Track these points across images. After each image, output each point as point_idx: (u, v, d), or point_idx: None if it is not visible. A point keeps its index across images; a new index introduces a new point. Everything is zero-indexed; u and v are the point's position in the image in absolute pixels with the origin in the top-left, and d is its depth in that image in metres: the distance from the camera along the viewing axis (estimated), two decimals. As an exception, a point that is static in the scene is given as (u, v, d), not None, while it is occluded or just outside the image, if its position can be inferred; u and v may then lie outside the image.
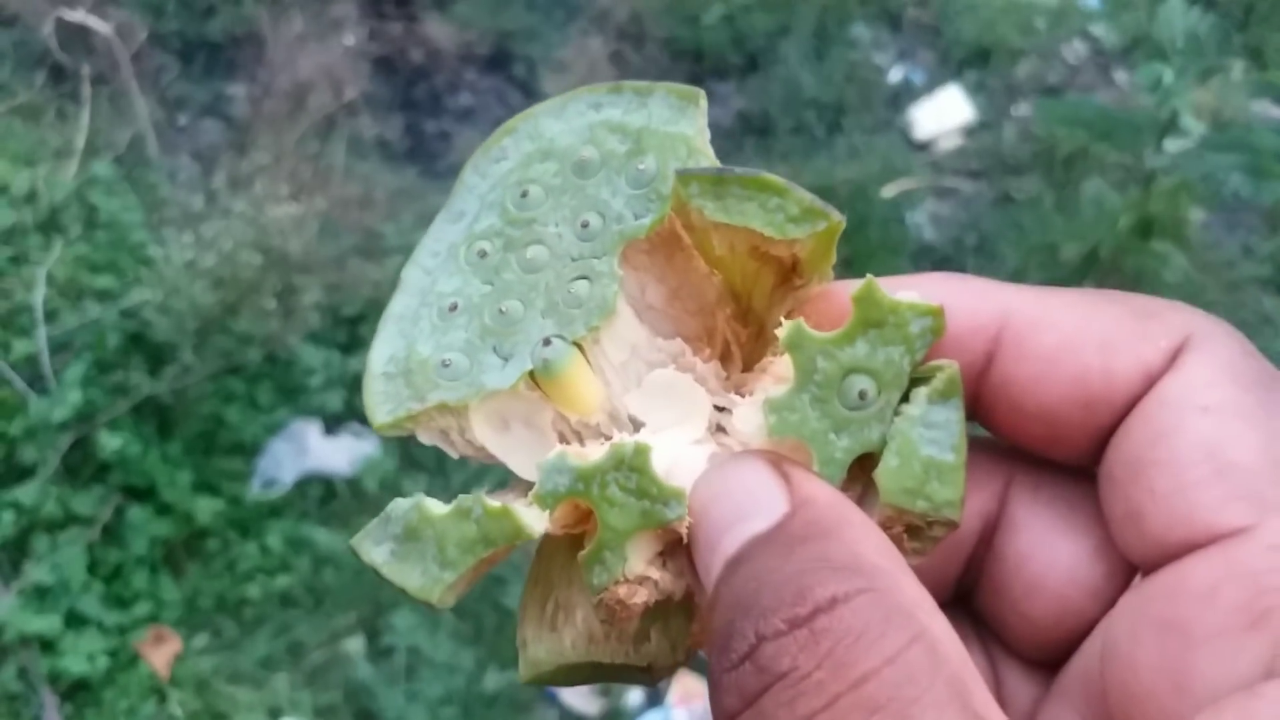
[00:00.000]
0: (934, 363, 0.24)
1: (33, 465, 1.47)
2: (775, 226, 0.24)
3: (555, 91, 2.11)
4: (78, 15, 2.08)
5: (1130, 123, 1.96)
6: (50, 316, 1.59)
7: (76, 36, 2.05)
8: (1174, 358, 0.23)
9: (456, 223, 0.28)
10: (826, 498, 0.22)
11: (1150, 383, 0.23)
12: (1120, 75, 2.17)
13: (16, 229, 1.69)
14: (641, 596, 0.24)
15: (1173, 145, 1.75)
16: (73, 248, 1.69)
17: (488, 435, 0.26)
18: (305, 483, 1.58)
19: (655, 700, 1.48)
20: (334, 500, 1.59)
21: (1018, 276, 1.83)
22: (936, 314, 0.24)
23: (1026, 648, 0.26)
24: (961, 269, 1.88)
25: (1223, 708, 0.19)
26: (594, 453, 0.25)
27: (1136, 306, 0.24)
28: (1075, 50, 2.22)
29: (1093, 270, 1.75)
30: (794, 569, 0.20)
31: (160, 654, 1.41)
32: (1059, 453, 0.25)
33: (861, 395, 0.24)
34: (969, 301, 0.24)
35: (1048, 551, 0.25)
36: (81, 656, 1.36)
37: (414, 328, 0.27)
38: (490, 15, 2.23)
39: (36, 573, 1.40)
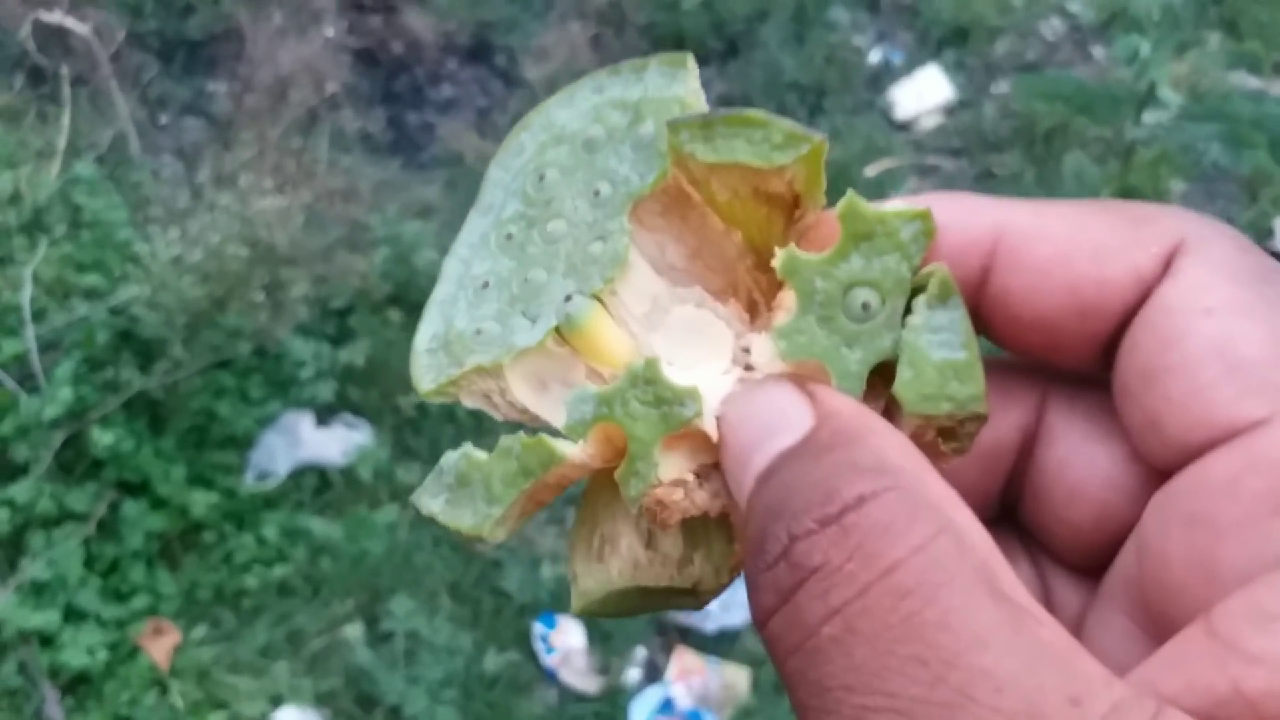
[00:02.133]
0: (926, 269, 0.25)
1: (25, 463, 1.47)
2: (762, 156, 0.25)
3: (537, 79, 2.10)
4: (55, 17, 2.07)
5: (1109, 96, 1.97)
6: (38, 316, 1.59)
7: (54, 38, 2.05)
8: (1168, 262, 0.23)
9: (486, 215, 0.29)
10: (850, 409, 0.23)
11: (1145, 287, 0.23)
12: (1097, 50, 2.19)
13: (1, 230, 1.69)
14: (679, 495, 0.25)
15: (1151, 117, 1.77)
16: (58, 247, 1.69)
17: (527, 395, 0.28)
18: (299, 473, 1.59)
19: (654, 677, 1.49)
20: (328, 490, 1.59)
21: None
22: (924, 216, 0.25)
23: (1071, 555, 0.27)
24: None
25: (1255, 585, 0.20)
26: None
27: (1130, 213, 0.24)
28: (1052, 27, 2.24)
29: (1075, 242, 1.77)
30: (822, 474, 0.21)
31: (160, 646, 1.41)
32: (1064, 361, 0.25)
33: (865, 307, 0.25)
34: (963, 217, 0.25)
35: (1085, 458, 0.26)
36: (81, 650, 1.37)
37: (453, 308, 0.29)
38: (469, 5, 2.23)
39: (33, 569, 1.40)
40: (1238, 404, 0.21)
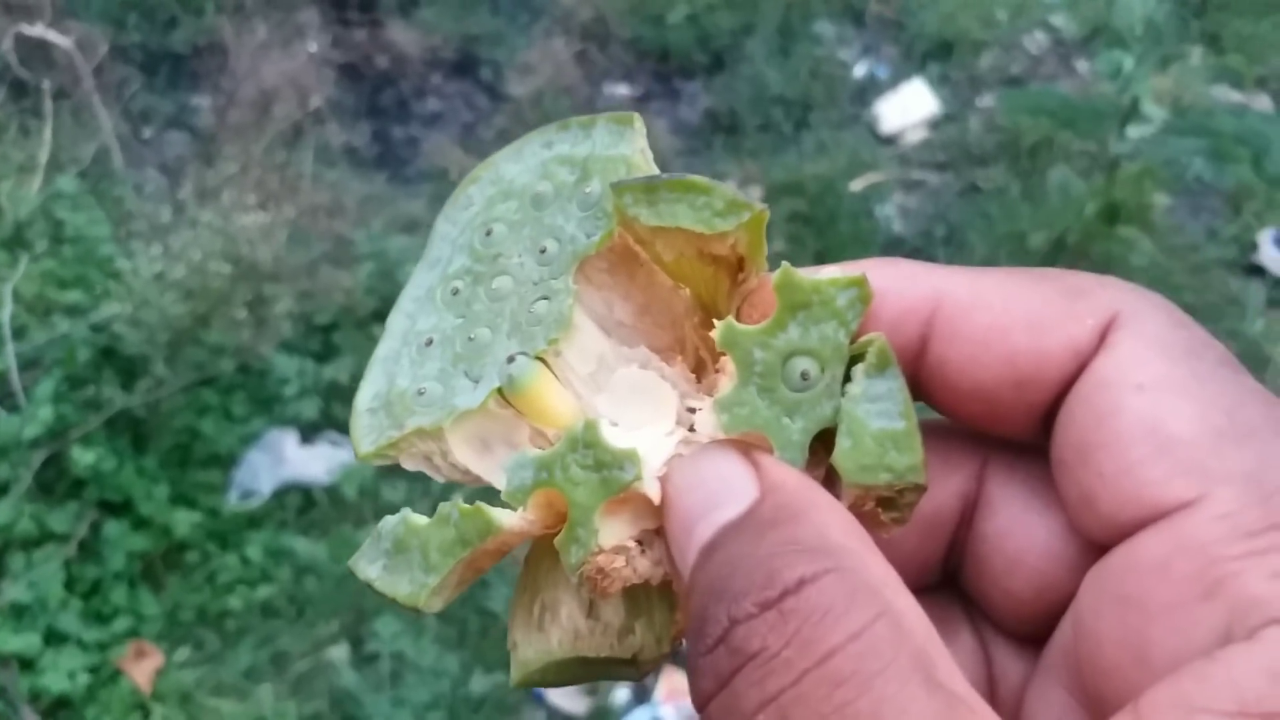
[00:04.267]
0: (864, 338, 0.25)
1: (5, 483, 1.45)
2: (704, 222, 0.25)
3: (522, 93, 2.10)
4: (37, 30, 2.06)
5: (1092, 110, 1.98)
6: (19, 333, 1.57)
7: (37, 51, 2.03)
8: (1103, 335, 0.23)
9: (433, 269, 0.29)
10: (794, 482, 0.23)
11: (1081, 360, 0.23)
12: (1081, 64, 2.20)
13: (-19, 246, 1.67)
14: (621, 562, 0.25)
15: (1135, 131, 1.77)
16: (39, 264, 1.68)
17: (469, 456, 0.27)
18: (283, 492, 1.57)
19: (643, 698, 1.48)
20: (313, 509, 1.58)
21: (987, 265, 1.85)
22: (860, 283, 0.25)
23: (1013, 624, 0.27)
24: (932, 260, 1.89)
25: (1181, 675, 0.20)
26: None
27: (1065, 285, 0.24)
28: (1036, 41, 2.25)
29: (1060, 257, 1.77)
30: (764, 553, 0.21)
31: (142, 669, 1.40)
32: (1000, 430, 0.25)
33: (804, 376, 0.25)
34: (900, 285, 0.25)
35: (1024, 529, 0.26)
36: (62, 674, 1.35)
37: (395, 365, 0.28)
38: (455, 19, 2.23)
39: (13, 591, 1.38)
40: (1167, 484, 0.21)
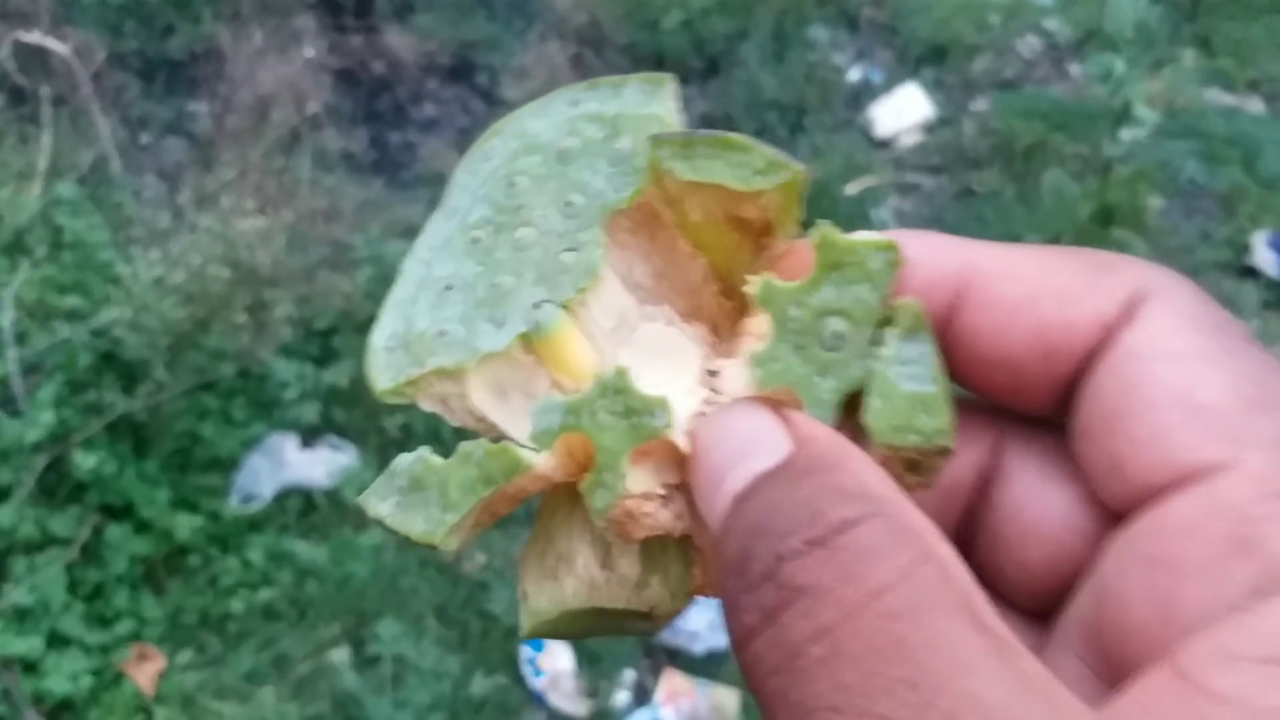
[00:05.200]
0: (897, 302, 0.25)
1: (7, 487, 1.46)
2: (742, 180, 0.26)
3: (517, 98, 2.11)
4: (35, 37, 2.06)
5: (1085, 113, 1.99)
6: (20, 339, 1.58)
7: (35, 58, 2.04)
8: (1130, 309, 0.24)
9: (450, 219, 0.29)
10: (827, 435, 0.23)
11: (1107, 333, 0.24)
12: (1074, 68, 2.21)
13: (-19, 252, 1.68)
14: (649, 507, 0.25)
15: (1128, 134, 1.78)
16: (39, 269, 1.68)
17: (487, 401, 0.27)
18: (284, 496, 1.58)
19: (643, 700, 1.49)
20: (314, 512, 1.59)
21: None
22: (892, 247, 0.25)
23: (1023, 597, 0.27)
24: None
25: (1217, 627, 0.20)
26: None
27: (1094, 260, 0.25)
28: (1029, 44, 2.26)
29: (1055, 259, 1.78)
30: (806, 496, 0.21)
31: (144, 672, 1.40)
32: (1023, 402, 0.26)
33: (837, 335, 0.25)
34: (933, 255, 0.25)
35: (1040, 499, 0.26)
36: (64, 677, 1.35)
37: (413, 308, 0.28)
38: (451, 25, 2.24)
39: (16, 594, 1.38)
40: (1198, 448, 0.22)
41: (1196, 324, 0.23)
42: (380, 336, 0.28)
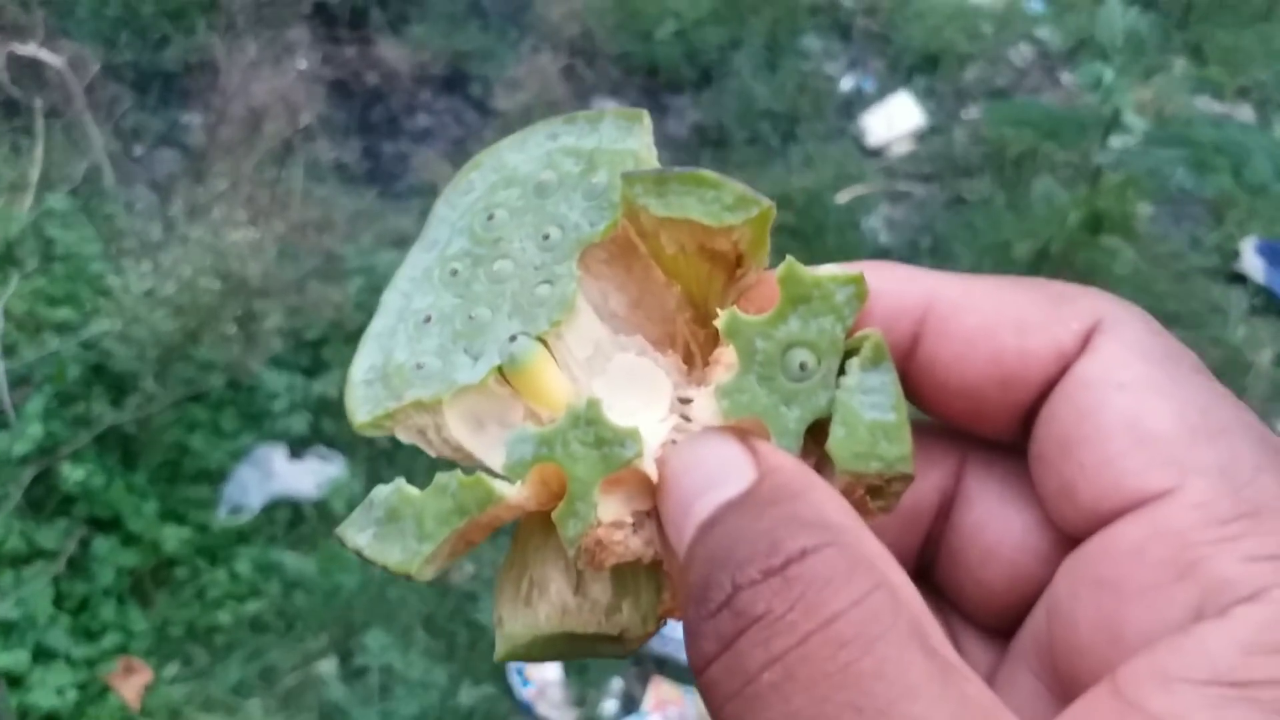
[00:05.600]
0: (860, 333, 0.26)
1: (-5, 500, 1.46)
2: (713, 216, 0.26)
3: (510, 109, 2.11)
4: (29, 49, 2.07)
5: (1076, 121, 1.99)
6: (9, 350, 1.58)
7: (28, 70, 2.05)
8: (1086, 340, 0.25)
9: (430, 250, 0.29)
10: (791, 466, 0.24)
11: (1064, 363, 0.25)
12: (1066, 76, 2.21)
13: (-28, 265, 1.68)
14: (619, 535, 0.26)
15: (1118, 142, 1.79)
16: (30, 281, 1.68)
17: (463, 433, 0.28)
18: (272, 507, 1.58)
19: (631, 708, 1.48)
20: (302, 524, 1.59)
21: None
22: (857, 280, 0.26)
23: (983, 616, 0.28)
24: (917, 270, 1.91)
25: (1157, 648, 0.21)
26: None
27: (1051, 291, 0.26)
28: (1021, 53, 2.27)
29: (1045, 266, 1.78)
30: (766, 526, 0.21)
31: (130, 685, 1.40)
32: (984, 428, 0.27)
33: (803, 367, 0.26)
34: (895, 286, 0.26)
35: (1000, 522, 0.27)
36: (50, 690, 1.35)
37: (391, 340, 0.29)
38: (444, 36, 2.25)
39: (2, 608, 1.38)
40: (1145, 475, 0.23)
41: (1147, 354, 0.24)
42: (359, 370, 0.29)
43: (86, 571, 1.46)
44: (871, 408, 0.25)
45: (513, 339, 0.27)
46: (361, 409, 0.28)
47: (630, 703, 1.49)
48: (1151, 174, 1.91)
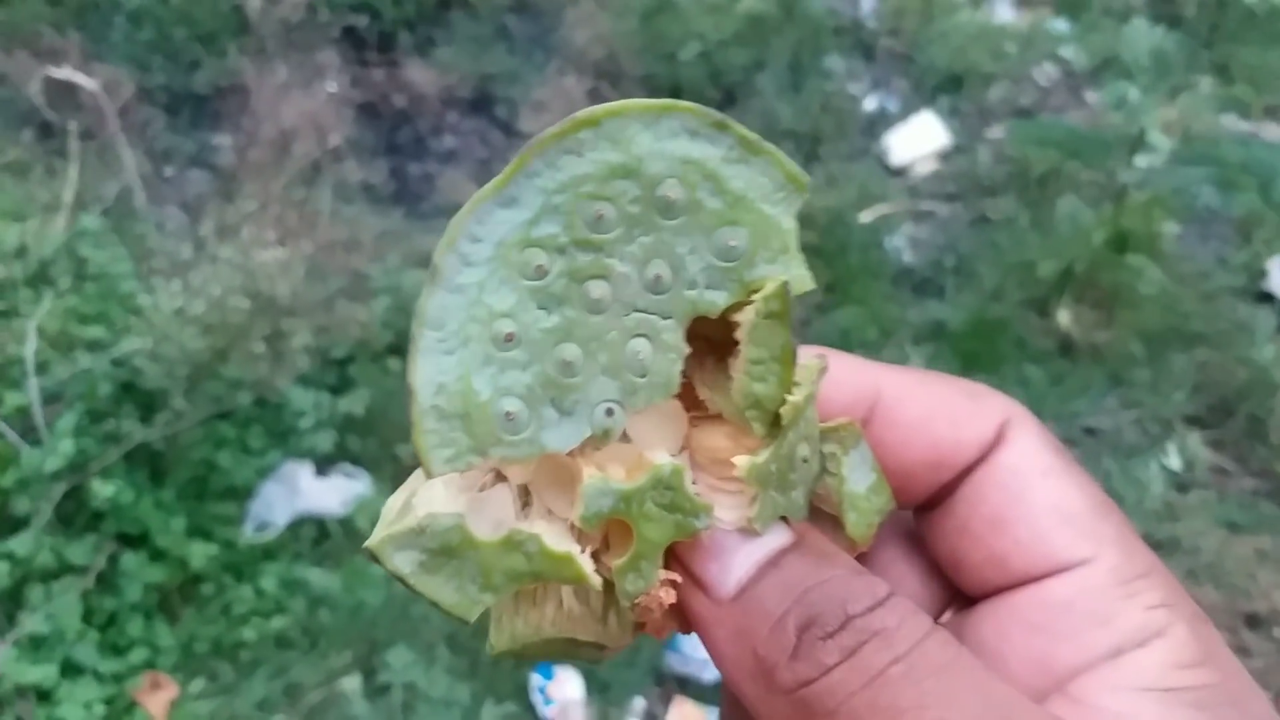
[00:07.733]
0: (837, 421, 0.29)
1: (26, 516, 1.47)
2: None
3: (536, 130, 2.13)
4: (65, 72, 2.11)
5: (1100, 140, 1.99)
6: (41, 368, 1.60)
7: (64, 93, 2.08)
8: (1000, 432, 0.29)
9: (508, 208, 0.25)
10: (815, 534, 0.28)
11: (983, 451, 0.29)
12: (1091, 95, 2.21)
13: (6, 283, 1.71)
14: (672, 596, 0.27)
15: (1143, 161, 1.78)
16: (63, 300, 1.71)
17: (520, 476, 0.28)
18: (298, 524, 1.59)
19: (653, 728, 1.48)
20: (327, 541, 1.60)
21: (996, 295, 1.85)
22: (822, 367, 0.28)
23: None
24: (941, 290, 1.91)
25: (1098, 669, 0.27)
26: (631, 476, 0.26)
27: (966, 388, 0.31)
28: (1046, 72, 2.26)
29: (1070, 286, 1.77)
30: (835, 574, 0.26)
31: (157, 700, 1.41)
32: (902, 500, 0.31)
33: (805, 460, 0.28)
34: (851, 375, 0.31)
35: (894, 576, 0.32)
36: (78, 705, 1.36)
37: (464, 348, 0.25)
38: (471, 59, 2.27)
39: (31, 623, 1.40)
40: (1071, 548, 0.28)
41: (1050, 446, 0.29)
42: (425, 383, 0.25)
43: (115, 587, 1.47)
44: (862, 480, 0.29)
45: (610, 413, 0.26)
46: (438, 453, 0.25)
47: (653, 722, 1.49)
48: (1177, 193, 1.89)
